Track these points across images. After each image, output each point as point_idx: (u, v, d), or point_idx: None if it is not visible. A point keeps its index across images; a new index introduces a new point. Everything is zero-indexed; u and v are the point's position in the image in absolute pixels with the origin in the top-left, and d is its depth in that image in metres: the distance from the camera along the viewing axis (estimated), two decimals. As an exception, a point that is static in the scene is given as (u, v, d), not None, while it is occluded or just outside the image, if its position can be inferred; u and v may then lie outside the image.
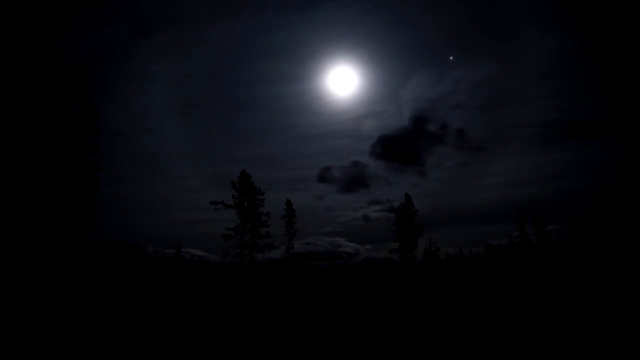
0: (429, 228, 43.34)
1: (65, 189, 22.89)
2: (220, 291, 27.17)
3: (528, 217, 56.16)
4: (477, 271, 46.64)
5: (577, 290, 23.25)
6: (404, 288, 32.56)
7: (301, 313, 18.02)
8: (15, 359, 9.79)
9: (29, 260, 19.93)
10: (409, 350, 10.54)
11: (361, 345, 11.19)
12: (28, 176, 21.55)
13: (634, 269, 28.43)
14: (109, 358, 9.97)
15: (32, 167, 21.75)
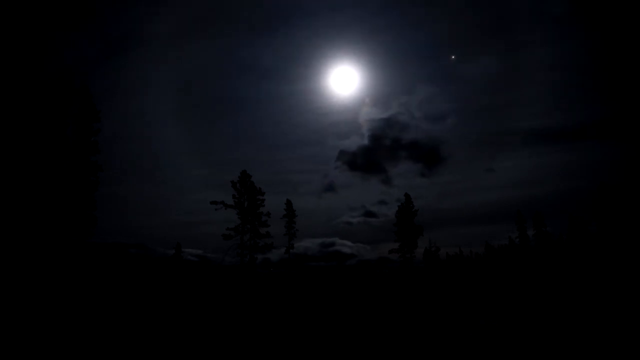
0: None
1: (65, 189, 22.87)
2: (220, 291, 27.18)
3: (528, 218, 56.24)
4: (477, 271, 46.66)
5: (576, 290, 23.25)
6: (404, 288, 32.57)
7: (302, 313, 18.01)
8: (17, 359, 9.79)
9: (30, 260, 19.91)
10: (410, 350, 10.54)
11: (362, 344, 11.19)
12: (28, 176, 21.54)
13: (634, 269, 28.43)
14: (112, 357, 9.97)
15: (32, 167, 21.73)
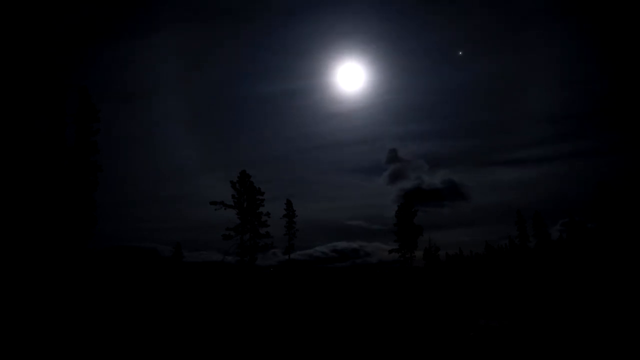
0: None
1: (65, 189, 22.89)
2: (220, 291, 27.17)
3: (528, 218, 56.39)
4: (477, 271, 46.65)
5: (576, 290, 23.25)
6: (404, 288, 32.55)
7: (300, 313, 18.02)
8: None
9: (30, 260, 19.92)
10: (408, 350, 10.55)
11: (360, 344, 11.19)
12: (27, 177, 21.55)
13: (634, 268, 28.43)
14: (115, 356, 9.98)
15: (31, 168, 21.74)
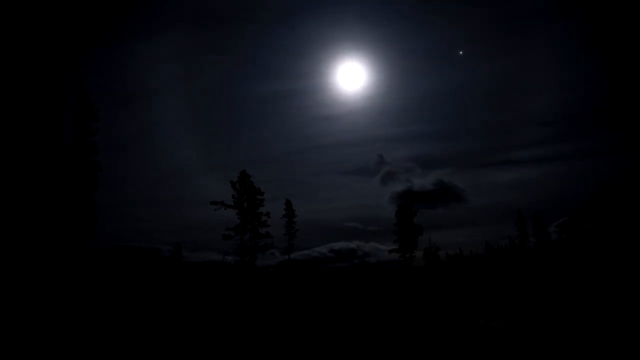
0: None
1: (64, 190, 22.87)
2: (220, 291, 27.16)
3: (528, 218, 56.43)
4: (477, 271, 46.63)
5: (576, 290, 23.24)
6: (404, 288, 32.55)
7: (299, 313, 18.01)
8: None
9: (29, 260, 19.91)
10: (408, 349, 10.54)
11: (360, 344, 11.18)
12: (27, 177, 21.53)
13: (634, 268, 28.42)
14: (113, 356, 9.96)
15: (30, 168, 21.72)
